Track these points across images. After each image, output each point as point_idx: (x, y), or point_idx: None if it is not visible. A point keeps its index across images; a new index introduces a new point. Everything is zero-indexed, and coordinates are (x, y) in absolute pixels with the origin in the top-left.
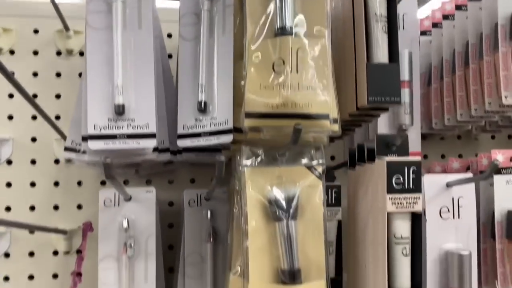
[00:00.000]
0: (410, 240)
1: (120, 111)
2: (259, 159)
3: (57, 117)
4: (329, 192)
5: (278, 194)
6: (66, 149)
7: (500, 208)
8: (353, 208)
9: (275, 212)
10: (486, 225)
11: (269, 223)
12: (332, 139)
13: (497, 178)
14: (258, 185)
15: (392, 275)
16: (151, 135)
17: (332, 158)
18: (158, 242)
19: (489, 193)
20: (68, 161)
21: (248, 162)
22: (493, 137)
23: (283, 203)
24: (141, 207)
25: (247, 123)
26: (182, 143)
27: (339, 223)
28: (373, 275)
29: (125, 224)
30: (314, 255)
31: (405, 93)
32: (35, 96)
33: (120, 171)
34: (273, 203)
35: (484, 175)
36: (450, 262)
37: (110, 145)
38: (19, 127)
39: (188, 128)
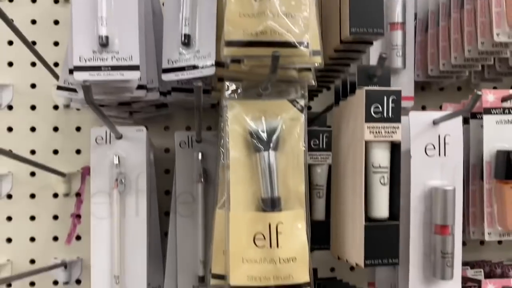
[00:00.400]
0: (388, 169)
1: (103, 42)
2: (241, 93)
3: (56, 64)
4: (320, 136)
5: (260, 125)
6: (59, 88)
7: (489, 148)
8: (336, 143)
9: (256, 143)
10: (476, 167)
11: (251, 155)
12: (326, 87)
13: (486, 118)
14: (240, 117)
15: (370, 204)
16: (135, 67)
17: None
18: (153, 182)
19: (479, 134)
20: (67, 106)
21: (231, 95)
22: (495, 88)
23: (265, 134)
24: (131, 145)
25: (226, 52)
26: (166, 77)
27: (330, 167)
28: (352, 205)
29: (115, 161)
30: (294, 185)
31: (397, 35)
32: (34, 43)
33: (113, 113)
34: (254, 134)
35: (468, 107)
36: (434, 198)
37: (95, 77)
38: (19, 74)
39: (172, 62)
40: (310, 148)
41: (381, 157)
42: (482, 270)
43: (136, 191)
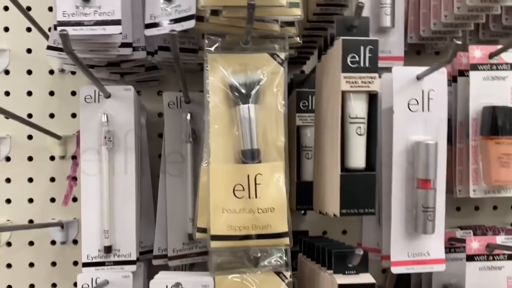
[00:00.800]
0: (365, 120)
1: None
2: (222, 46)
3: (50, 29)
4: (309, 98)
5: (241, 79)
6: (49, 48)
7: (475, 104)
8: (318, 98)
9: (236, 95)
10: (463, 125)
11: (231, 108)
12: (315, 47)
13: (473, 74)
14: (220, 70)
15: (347, 154)
16: (117, 22)
17: None
18: (144, 145)
19: (467, 92)
20: (62, 71)
21: (212, 49)
22: None
23: (245, 88)
24: (120, 104)
25: (203, 2)
26: (149, 32)
27: None
28: (331, 157)
29: (104, 119)
30: (273, 138)
31: None
32: (28, 8)
33: (104, 75)
34: (234, 87)
35: (448, 58)
36: (416, 152)
37: (78, 31)
38: (15, 39)
39: (154, 17)
40: (299, 110)
41: (358, 107)
42: (471, 232)
43: (125, 149)
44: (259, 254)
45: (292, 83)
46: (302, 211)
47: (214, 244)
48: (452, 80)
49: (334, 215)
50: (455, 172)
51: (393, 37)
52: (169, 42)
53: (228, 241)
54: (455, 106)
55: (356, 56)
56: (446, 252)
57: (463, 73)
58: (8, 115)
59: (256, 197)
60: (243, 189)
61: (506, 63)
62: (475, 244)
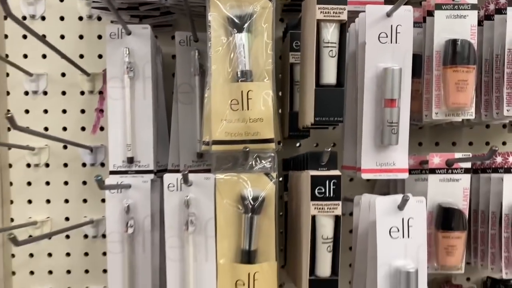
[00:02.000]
0: (337, 45)
1: None
2: None
3: None
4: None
5: (236, 12)
6: None
7: (439, 39)
8: (302, 31)
9: (232, 26)
10: (429, 58)
11: (228, 37)
12: None
13: (437, 13)
14: (219, 6)
15: (321, 72)
16: None
17: None
18: (160, 81)
19: (433, 29)
20: (89, 17)
21: None
22: None
23: (240, 20)
24: (138, 40)
25: None
26: None
27: None
28: (309, 76)
29: (125, 52)
30: (263, 63)
31: None
32: None
33: (125, 18)
34: (231, 19)
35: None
36: (383, 77)
37: None
38: None
39: None
40: (292, 49)
41: (330, 33)
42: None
43: (143, 78)
44: (247, 149)
45: (287, 27)
46: (298, 144)
47: (215, 147)
48: (423, 21)
49: (312, 124)
50: (422, 100)
51: None
52: None
53: (226, 145)
54: (425, 43)
55: None
56: (417, 173)
57: (431, 13)
58: (52, 48)
59: (248, 109)
60: (238, 103)
61: (467, 4)
62: (436, 159)
